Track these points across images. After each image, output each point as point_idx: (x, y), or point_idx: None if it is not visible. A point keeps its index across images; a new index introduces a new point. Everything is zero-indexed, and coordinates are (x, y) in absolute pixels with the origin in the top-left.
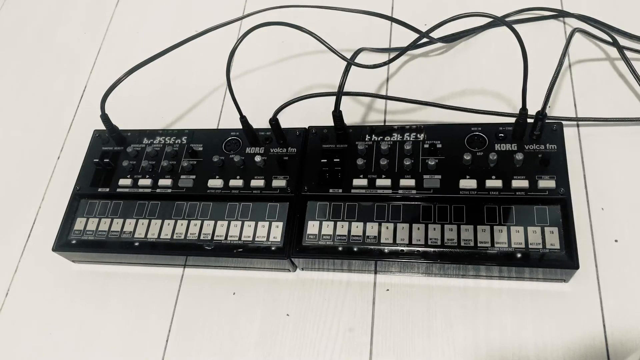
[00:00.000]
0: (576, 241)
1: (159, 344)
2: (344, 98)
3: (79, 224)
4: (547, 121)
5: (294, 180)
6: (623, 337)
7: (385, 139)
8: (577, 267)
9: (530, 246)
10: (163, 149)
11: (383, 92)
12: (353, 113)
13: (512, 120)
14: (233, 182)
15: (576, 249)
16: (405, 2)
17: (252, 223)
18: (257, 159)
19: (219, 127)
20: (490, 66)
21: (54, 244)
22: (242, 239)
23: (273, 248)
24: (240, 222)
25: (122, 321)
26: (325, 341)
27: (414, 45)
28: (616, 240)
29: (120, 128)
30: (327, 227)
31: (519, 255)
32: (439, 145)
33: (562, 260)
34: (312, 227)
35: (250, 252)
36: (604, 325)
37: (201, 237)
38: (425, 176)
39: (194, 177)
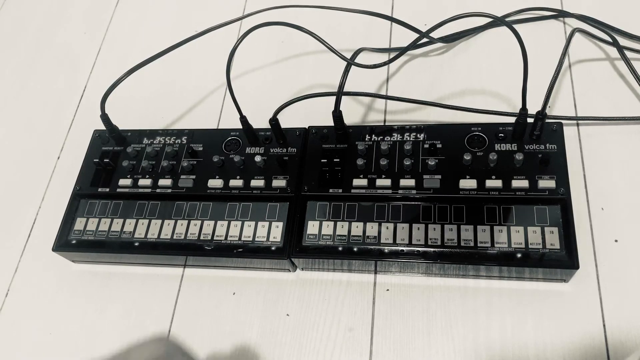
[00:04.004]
0: (576, 241)
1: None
2: (344, 98)
3: (79, 224)
4: (547, 121)
5: (294, 180)
6: (623, 337)
7: (385, 139)
8: (577, 267)
9: (530, 246)
10: (163, 149)
11: (383, 92)
12: (353, 113)
13: (512, 120)
14: (233, 182)
15: (576, 249)
16: (405, 2)
17: (252, 223)
18: (257, 159)
19: (219, 127)
20: (490, 66)
21: (54, 244)
22: (242, 239)
23: (273, 248)
24: (240, 222)
25: (122, 321)
26: (325, 341)
27: (414, 45)
28: (616, 240)
29: (120, 128)
30: (327, 227)
31: (519, 255)
32: (439, 145)
33: (562, 260)
34: (312, 227)
35: (250, 252)
36: (604, 325)
37: (201, 237)
38: (425, 176)
39: (194, 177)
